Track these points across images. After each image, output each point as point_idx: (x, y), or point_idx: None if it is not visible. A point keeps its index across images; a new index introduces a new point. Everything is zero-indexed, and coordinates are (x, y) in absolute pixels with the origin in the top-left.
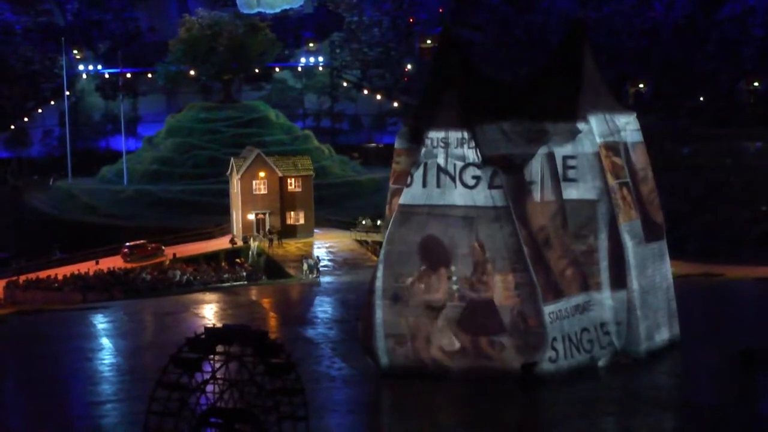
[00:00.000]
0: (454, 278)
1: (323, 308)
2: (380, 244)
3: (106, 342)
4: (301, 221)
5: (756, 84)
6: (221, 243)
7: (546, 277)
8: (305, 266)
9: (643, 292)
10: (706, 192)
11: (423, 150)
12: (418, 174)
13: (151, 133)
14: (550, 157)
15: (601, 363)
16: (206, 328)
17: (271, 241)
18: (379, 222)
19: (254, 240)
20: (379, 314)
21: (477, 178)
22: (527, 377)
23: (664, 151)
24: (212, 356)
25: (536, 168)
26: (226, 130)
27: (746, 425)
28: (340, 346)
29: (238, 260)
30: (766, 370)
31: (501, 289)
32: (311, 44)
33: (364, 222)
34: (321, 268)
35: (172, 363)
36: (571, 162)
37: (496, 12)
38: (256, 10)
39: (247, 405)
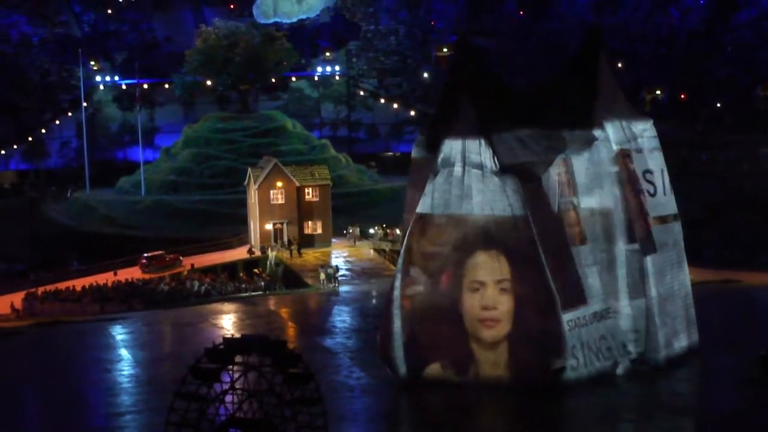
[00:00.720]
0: (473, 287)
1: (341, 317)
2: (398, 253)
3: (124, 353)
4: (319, 231)
5: None
6: (239, 253)
7: (564, 285)
8: (323, 275)
9: (661, 299)
10: (724, 198)
11: (440, 158)
12: (436, 183)
13: (168, 144)
14: (568, 164)
15: (619, 370)
16: (225, 339)
17: (291, 251)
18: (388, 231)
19: (272, 250)
20: (397, 323)
21: (495, 186)
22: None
23: (682, 157)
24: (231, 366)
25: (554, 176)
26: (243, 140)
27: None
28: (358, 355)
29: (256, 270)
30: None
31: (520, 297)
32: (328, 53)
33: (372, 231)
34: (339, 278)
35: (191, 374)
36: (589, 169)
37: (512, 19)
38: (272, 20)
39: (265, 415)
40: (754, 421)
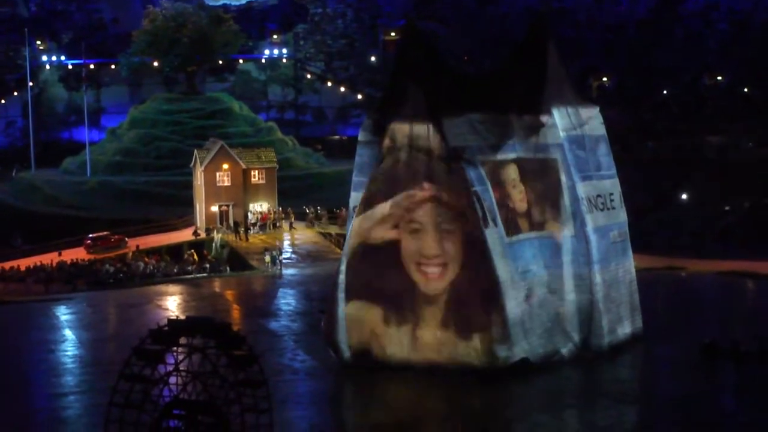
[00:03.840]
0: (419, 272)
1: (286, 300)
2: (343, 236)
3: (68, 333)
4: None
5: (719, 78)
6: (184, 235)
7: (510, 271)
8: (268, 258)
9: (606, 286)
10: (670, 186)
11: (386, 142)
12: (382, 167)
13: (114, 125)
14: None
15: (563, 357)
16: (169, 320)
17: (238, 233)
18: (319, 210)
19: (217, 232)
20: (342, 308)
21: (442, 171)
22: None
23: (628, 144)
24: (175, 348)
25: (500, 162)
26: (190, 121)
27: (709, 419)
28: (303, 338)
29: (188, 253)
30: (728, 364)
31: (465, 282)
32: (275, 36)
33: (308, 211)
34: (284, 261)
35: (135, 355)
36: (536, 155)
37: (460, 4)
38: (220, 2)
39: (209, 397)
40: (697, 408)
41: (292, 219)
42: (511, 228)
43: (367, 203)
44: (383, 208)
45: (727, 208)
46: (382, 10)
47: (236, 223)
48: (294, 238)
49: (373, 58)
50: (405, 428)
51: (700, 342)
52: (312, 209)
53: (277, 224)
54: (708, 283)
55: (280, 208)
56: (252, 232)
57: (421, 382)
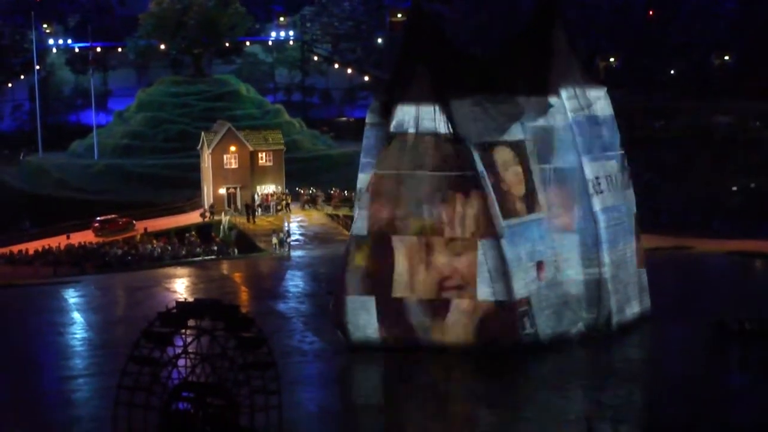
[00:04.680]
0: (426, 254)
1: (294, 282)
2: (351, 218)
3: (77, 316)
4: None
5: (727, 57)
6: (192, 217)
7: (518, 252)
8: (275, 240)
9: (614, 266)
10: (678, 165)
11: (393, 124)
12: (390, 149)
13: (121, 108)
14: (523, 131)
15: (572, 336)
16: (178, 303)
17: (251, 215)
18: (313, 191)
19: (225, 214)
20: (350, 289)
21: (448, 152)
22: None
23: (636, 124)
24: (184, 330)
25: (508, 143)
26: (197, 104)
27: (717, 397)
28: (311, 320)
29: (191, 235)
30: (736, 343)
31: (473, 260)
32: (282, 18)
33: (303, 192)
34: (292, 243)
35: (144, 337)
36: (544, 136)
37: None
38: None
39: (218, 379)
40: (705, 387)
41: (289, 201)
42: (513, 210)
43: (375, 184)
44: (391, 189)
45: (734, 188)
46: None
47: (247, 206)
48: (302, 220)
49: (379, 40)
50: (414, 409)
51: (708, 321)
52: (305, 191)
53: (284, 206)
54: (716, 263)
55: (287, 190)
56: (257, 214)
57: (429, 363)
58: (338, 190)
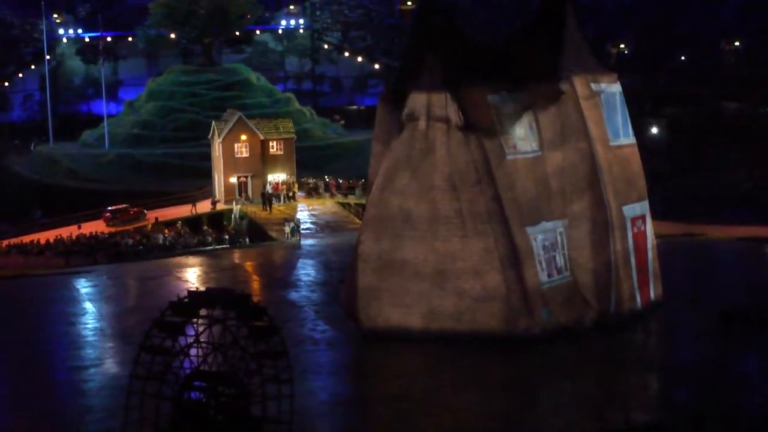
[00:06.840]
0: (438, 242)
1: (306, 271)
2: (363, 206)
3: (89, 306)
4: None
5: (737, 44)
6: (203, 206)
7: (528, 240)
8: (287, 229)
9: (625, 253)
10: (688, 152)
11: (405, 112)
12: (401, 137)
13: (132, 97)
14: (534, 119)
15: (584, 324)
16: (189, 292)
17: (268, 204)
18: (311, 179)
19: (236, 203)
20: (362, 278)
21: (459, 140)
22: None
23: (646, 111)
24: (195, 320)
25: (519, 131)
26: (207, 93)
27: (728, 384)
28: (323, 308)
29: (203, 226)
30: (747, 330)
31: (483, 254)
32: (292, 6)
33: (306, 181)
34: (303, 231)
35: (156, 327)
36: (555, 123)
37: None
38: None
39: (230, 368)
40: (717, 375)
41: (296, 189)
42: (525, 197)
43: (387, 173)
44: (403, 177)
45: (744, 174)
46: None
47: (263, 194)
48: (314, 208)
49: (390, 28)
50: (426, 397)
51: (720, 308)
52: (309, 180)
53: (291, 195)
54: (727, 249)
55: (293, 179)
56: (274, 203)
57: (440, 352)
58: (334, 178)
